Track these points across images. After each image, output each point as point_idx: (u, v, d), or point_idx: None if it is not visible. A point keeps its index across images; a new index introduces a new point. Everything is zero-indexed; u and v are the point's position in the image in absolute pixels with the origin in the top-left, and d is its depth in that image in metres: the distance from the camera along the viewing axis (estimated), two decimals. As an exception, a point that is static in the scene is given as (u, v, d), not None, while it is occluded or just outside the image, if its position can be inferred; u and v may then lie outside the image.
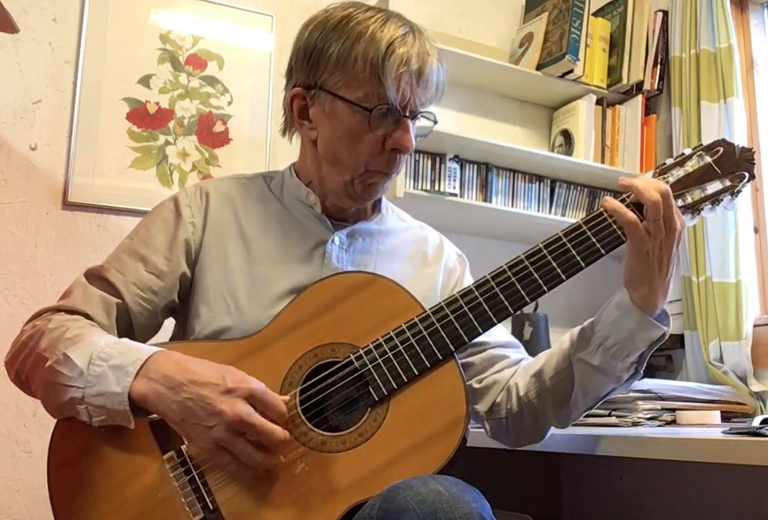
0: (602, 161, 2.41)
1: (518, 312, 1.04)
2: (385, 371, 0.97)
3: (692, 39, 2.21)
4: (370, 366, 0.97)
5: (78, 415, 0.94)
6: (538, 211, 2.34)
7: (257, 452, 0.90)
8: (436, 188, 2.19)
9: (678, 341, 2.17)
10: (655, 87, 2.37)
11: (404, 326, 0.98)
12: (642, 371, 1.06)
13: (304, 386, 0.98)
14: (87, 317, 1.03)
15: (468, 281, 1.22)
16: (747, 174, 0.99)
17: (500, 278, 0.99)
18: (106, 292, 1.05)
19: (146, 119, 2.02)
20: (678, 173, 1.00)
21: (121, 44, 2.03)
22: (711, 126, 2.11)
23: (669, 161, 1.01)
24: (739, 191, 0.99)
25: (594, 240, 0.98)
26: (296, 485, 0.93)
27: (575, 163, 2.33)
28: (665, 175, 1.00)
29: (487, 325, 0.99)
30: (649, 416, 1.64)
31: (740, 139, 2.05)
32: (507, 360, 1.15)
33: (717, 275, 2.05)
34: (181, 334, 1.13)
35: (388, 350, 0.97)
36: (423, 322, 0.99)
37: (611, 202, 0.98)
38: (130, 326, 1.07)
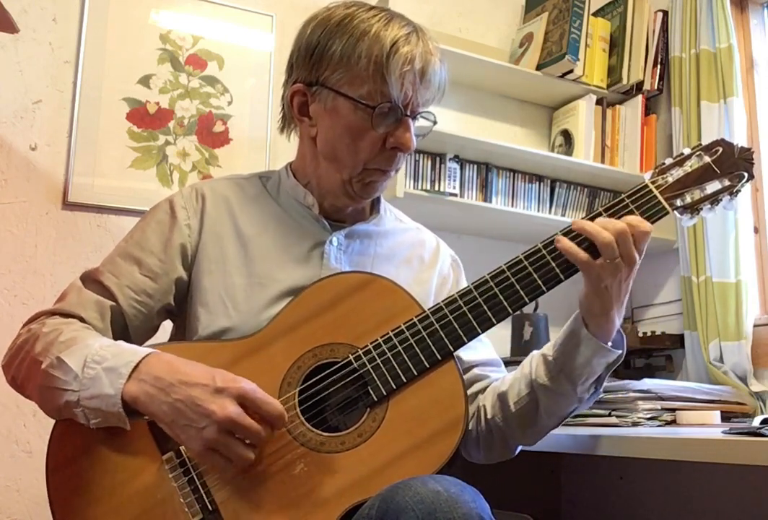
0: (602, 161, 2.40)
1: (518, 312, 1.04)
2: (384, 371, 0.97)
3: (692, 39, 2.21)
4: (369, 367, 0.97)
5: (75, 417, 0.94)
6: (538, 211, 2.34)
7: (249, 452, 0.90)
8: (436, 188, 2.19)
9: (678, 341, 2.17)
10: (655, 87, 2.37)
11: (403, 327, 0.98)
12: (602, 389, 1.07)
13: (303, 386, 0.98)
14: (81, 320, 1.03)
15: (462, 285, 1.21)
16: (746, 174, 0.99)
17: (499, 278, 0.99)
18: (100, 295, 1.05)
19: (146, 119, 2.02)
20: (677, 173, 1.00)
21: (121, 44, 2.02)
22: (711, 126, 2.11)
23: (668, 161, 1.01)
24: (738, 191, 0.99)
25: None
26: (295, 485, 0.93)
27: (575, 163, 2.33)
28: (664, 175, 1.00)
29: (487, 325, 0.99)
30: (649, 416, 1.64)
31: (740, 139, 2.05)
32: (485, 381, 1.15)
33: (717, 275, 2.05)
34: (179, 336, 1.13)
35: (387, 351, 0.97)
36: (422, 322, 0.99)
37: (564, 242, 0.97)
38: (125, 329, 1.07)
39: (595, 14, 2.51)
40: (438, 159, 2.21)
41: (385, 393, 0.96)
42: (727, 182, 0.99)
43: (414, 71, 1.03)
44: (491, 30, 2.56)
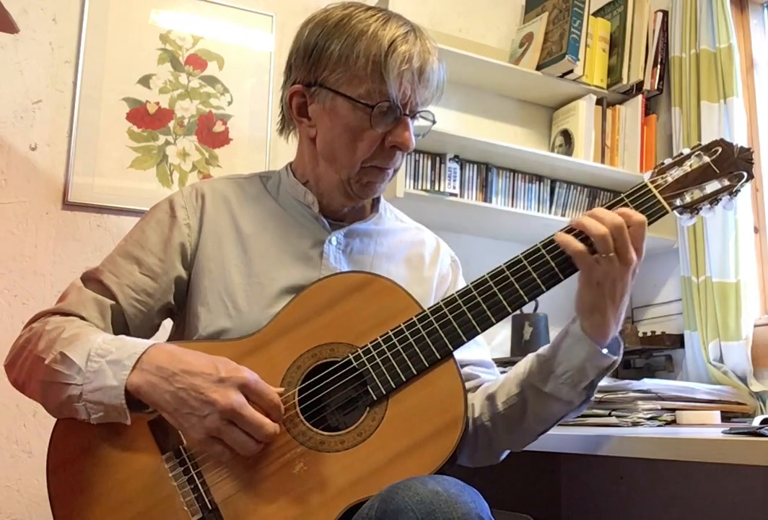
0: (602, 161, 2.40)
1: (517, 312, 1.04)
2: (384, 370, 0.97)
3: (692, 39, 2.21)
4: (368, 366, 0.97)
5: (77, 413, 0.94)
6: (538, 211, 2.34)
7: (250, 440, 0.90)
8: (436, 188, 2.19)
9: (678, 341, 2.17)
10: (655, 87, 2.37)
11: (403, 326, 0.98)
12: (593, 397, 1.04)
13: (302, 385, 0.98)
14: (82, 319, 1.03)
15: (460, 285, 1.21)
16: (745, 174, 0.98)
17: (498, 277, 0.99)
18: (101, 294, 1.06)
19: (146, 119, 2.02)
20: (676, 173, 1.00)
21: (121, 44, 2.03)
22: (711, 126, 2.10)
23: (668, 161, 1.01)
24: (738, 191, 0.99)
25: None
26: (295, 484, 0.93)
27: (575, 163, 2.33)
28: (664, 175, 1.00)
29: (486, 324, 0.99)
30: (649, 416, 1.64)
31: (740, 139, 2.05)
32: (475, 381, 1.14)
33: (717, 275, 2.05)
34: (179, 335, 1.14)
35: (386, 350, 0.97)
36: (421, 322, 0.99)
37: (562, 235, 0.97)
38: (125, 328, 1.07)
39: (595, 14, 2.51)
40: (438, 159, 2.21)
41: (384, 392, 0.96)
42: (726, 182, 0.99)
43: (412, 70, 1.03)
44: (491, 30, 2.56)
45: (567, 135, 2.43)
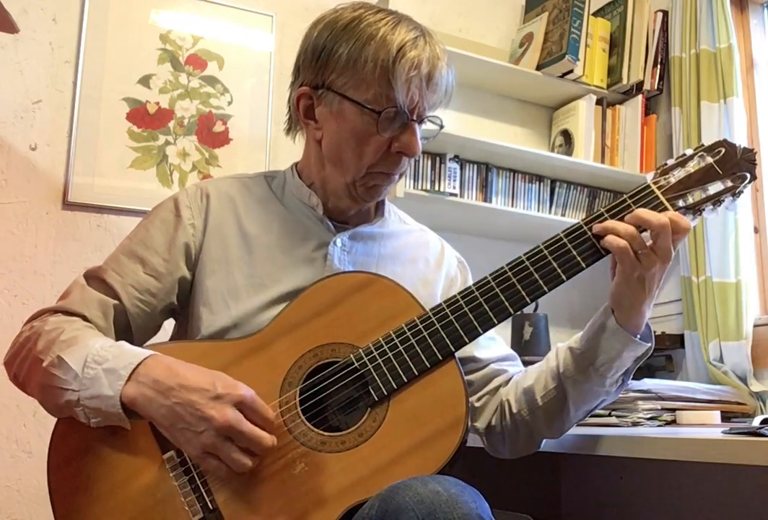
0: (602, 161, 2.41)
1: (518, 312, 1.04)
2: (385, 371, 0.97)
3: (692, 39, 2.21)
4: (370, 366, 0.97)
5: (76, 416, 0.94)
6: (538, 211, 2.34)
7: (246, 457, 0.90)
8: (436, 188, 2.19)
9: (678, 340, 2.17)
10: (655, 87, 2.37)
11: (404, 327, 0.98)
12: (629, 381, 1.09)
13: (303, 385, 0.97)
14: (84, 318, 1.03)
15: None
16: (748, 175, 0.98)
17: (501, 278, 0.99)
18: (104, 293, 1.05)
19: (146, 119, 2.02)
20: (679, 174, 0.99)
21: (121, 44, 2.03)
22: (711, 126, 2.11)
23: (670, 162, 1.01)
24: (741, 192, 0.98)
25: (594, 240, 0.98)
26: (295, 485, 0.93)
27: (575, 163, 2.33)
28: (666, 176, 1.00)
29: (488, 325, 0.99)
30: (649, 416, 1.64)
31: (740, 139, 2.05)
32: (504, 375, 1.16)
33: (717, 275, 2.05)
34: (181, 334, 1.13)
35: (388, 350, 0.97)
36: (423, 322, 0.98)
37: (603, 224, 0.97)
38: (127, 328, 1.07)
39: (595, 14, 2.51)
40: (438, 159, 2.21)
41: (386, 393, 0.96)
42: (729, 183, 0.98)
43: (421, 76, 1.02)
44: (491, 30, 2.56)
45: (567, 135, 2.43)
